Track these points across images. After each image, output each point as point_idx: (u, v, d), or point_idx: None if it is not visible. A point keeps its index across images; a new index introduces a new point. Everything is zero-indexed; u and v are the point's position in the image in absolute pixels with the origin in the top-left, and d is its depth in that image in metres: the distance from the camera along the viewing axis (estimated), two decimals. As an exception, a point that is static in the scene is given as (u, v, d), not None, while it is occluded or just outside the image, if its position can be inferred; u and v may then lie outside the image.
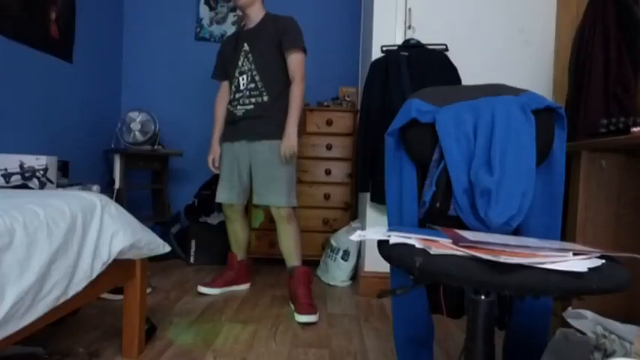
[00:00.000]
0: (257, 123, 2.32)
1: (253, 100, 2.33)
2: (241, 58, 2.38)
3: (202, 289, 2.48)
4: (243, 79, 2.36)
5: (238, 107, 2.37)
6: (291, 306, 2.27)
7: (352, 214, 3.19)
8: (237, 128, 2.39)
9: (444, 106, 1.25)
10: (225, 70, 2.49)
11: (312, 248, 3.15)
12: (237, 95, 2.39)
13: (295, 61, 2.28)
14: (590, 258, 0.89)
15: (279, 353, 1.74)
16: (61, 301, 1.21)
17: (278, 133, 2.28)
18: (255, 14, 2.38)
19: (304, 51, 2.31)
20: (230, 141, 2.43)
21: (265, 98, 2.32)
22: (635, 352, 1.17)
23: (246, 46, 2.37)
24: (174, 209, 3.58)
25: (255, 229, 3.19)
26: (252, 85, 2.33)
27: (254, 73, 2.33)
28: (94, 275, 1.34)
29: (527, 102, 1.20)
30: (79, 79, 3.14)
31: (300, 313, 2.11)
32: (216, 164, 2.53)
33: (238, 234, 2.55)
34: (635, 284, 1.64)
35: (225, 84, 2.52)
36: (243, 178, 2.42)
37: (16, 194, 1.43)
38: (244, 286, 2.63)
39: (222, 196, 2.45)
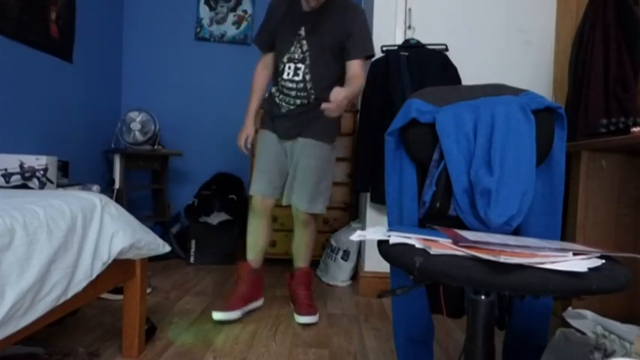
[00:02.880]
0: (296, 123, 2.12)
1: (298, 101, 2.10)
2: (295, 43, 2.07)
3: (219, 316, 2.02)
4: (290, 68, 2.08)
5: (284, 105, 2.12)
6: (292, 306, 2.27)
7: (352, 214, 3.19)
8: (278, 125, 2.16)
9: (444, 106, 1.25)
10: (268, 41, 2.18)
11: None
12: (282, 83, 2.11)
13: (358, 66, 2.05)
14: (590, 258, 0.89)
15: (279, 353, 1.74)
16: (61, 301, 1.21)
17: (312, 133, 2.11)
18: None
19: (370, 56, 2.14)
20: (272, 131, 2.17)
21: (312, 99, 2.09)
22: (635, 352, 1.17)
23: (302, 31, 2.06)
24: (174, 209, 3.58)
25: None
26: (302, 85, 2.08)
27: (306, 71, 2.06)
28: (94, 275, 1.34)
29: (527, 102, 1.20)
30: (79, 79, 3.14)
31: (299, 313, 2.10)
32: (249, 145, 2.22)
33: (261, 234, 2.20)
34: (635, 284, 1.64)
35: (270, 56, 2.21)
36: (281, 174, 2.18)
37: (16, 194, 1.43)
38: (259, 302, 2.26)
39: (257, 187, 2.15)
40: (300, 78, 2.08)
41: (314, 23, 2.05)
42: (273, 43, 2.16)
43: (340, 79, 2.08)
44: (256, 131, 2.27)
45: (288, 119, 2.13)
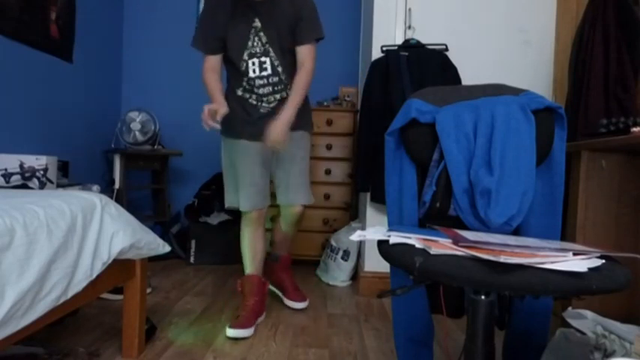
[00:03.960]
0: None
1: (278, 96, 2.00)
2: (252, 37, 1.93)
3: (234, 333, 1.88)
4: (254, 64, 1.95)
5: (263, 105, 2.01)
6: (275, 291, 2.38)
7: (352, 214, 3.19)
8: (259, 129, 1.97)
9: (444, 106, 1.25)
10: (215, 41, 1.97)
11: (312, 248, 3.15)
12: (250, 82, 1.98)
13: (307, 51, 1.97)
14: (590, 258, 0.89)
15: (279, 353, 1.74)
16: (61, 301, 1.21)
17: (300, 124, 2.04)
18: None
19: (320, 39, 2.02)
20: (251, 140, 2.03)
21: (289, 92, 2.00)
22: (635, 352, 1.17)
23: (257, 22, 1.92)
24: (174, 209, 3.58)
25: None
26: (276, 79, 1.98)
27: (275, 62, 1.96)
28: (94, 275, 1.34)
29: (527, 102, 1.20)
30: (79, 79, 3.14)
31: (293, 299, 2.29)
32: (218, 118, 1.86)
33: (260, 244, 2.13)
34: (635, 284, 1.64)
35: (217, 58, 2.01)
36: (267, 179, 2.11)
37: (16, 194, 1.43)
38: (263, 317, 2.13)
39: (250, 203, 2.02)
40: (269, 72, 1.97)
41: (267, 12, 1.92)
42: (222, 44, 1.97)
43: None
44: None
45: (271, 118, 1.96)
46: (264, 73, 1.97)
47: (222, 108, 1.88)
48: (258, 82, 1.98)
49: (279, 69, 1.97)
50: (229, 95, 2.05)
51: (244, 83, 2.00)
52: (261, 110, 2.02)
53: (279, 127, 1.89)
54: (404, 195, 1.27)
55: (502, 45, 2.52)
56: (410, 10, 2.53)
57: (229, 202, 2.11)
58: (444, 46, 2.46)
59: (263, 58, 1.95)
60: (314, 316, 2.20)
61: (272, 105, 2.01)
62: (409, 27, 2.54)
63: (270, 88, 1.99)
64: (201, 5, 3.73)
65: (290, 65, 1.99)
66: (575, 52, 2.13)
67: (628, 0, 1.95)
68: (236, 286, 2.17)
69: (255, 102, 2.02)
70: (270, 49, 1.95)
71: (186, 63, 3.75)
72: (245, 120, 2.03)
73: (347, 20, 3.65)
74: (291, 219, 2.18)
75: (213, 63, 2.00)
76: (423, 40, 2.47)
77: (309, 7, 1.97)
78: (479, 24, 2.53)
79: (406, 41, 2.47)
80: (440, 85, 1.54)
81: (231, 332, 1.88)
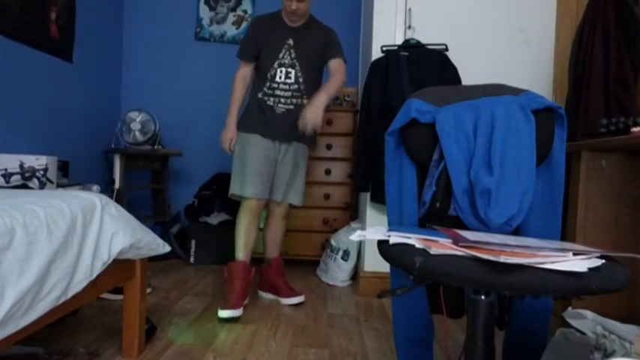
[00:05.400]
0: (293, 125, 2.27)
1: (295, 101, 2.31)
2: (283, 51, 2.29)
3: (226, 314, 2.06)
4: (281, 72, 2.29)
5: (280, 105, 2.30)
6: (271, 297, 2.44)
7: (352, 214, 3.19)
8: (273, 127, 2.30)
9: (443, 106, 1.25)
10: (253, 51, 2.34)
11: (312, 248, 3.15)
12: (273, 85, 2.30)
13: (338, 63, 2.35)
14: (590, 258, 0.89)
15: (279, 353, 1.75)
16: (61, 301, 1.21)
17: (306, 139, 2.37)
18: (304, 16, 2.33)
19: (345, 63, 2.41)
20: (263, 135, 2.30)
21: (304, 101, 2.31)
22: (635, 352, 1.17)
23: (291, 41, 2.30)
24: (174, 209, 3.58)
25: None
26: (296, 87, 2.30)
27: (298, 74, 2.30)
28: (94, 275, 1.34)
29: (527, 102, 1.20)
30: (79, 79, 3.14)
31: (289, 296, 2.36)
32: (232, 148, 2.35)
33: (253, 233, 2.32)
34: (635, 284, 1.64)
35: (250, 68, 2.37)
36: (271, 175, 2.34)
37: (16, 194, 1.43)
38: (247, 300, 2.29)
39: (253, 190, 2.26)
40: (292, 80, 2.30)
41: (300, 36, 2.31)
42: (257, 56, 2.33)
43: (321, 80, 2.39)
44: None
45: (285, 119, 2.29)
46: (288, 81, 2.30)
47: (234, 136, 2.33)
48: (282, 86, 2.30)
49: (301, 80, 2.31)
50: (251, 97, 2.40)
51: (265, 88, 2.32)
52: (277, 111, 2.31)
53: (314, 108, 2.19)
54: (404, 195, 1.27)
55: (502, 45, 2.52)
56: (410, 10, 2.53)
57: (233, 189, 2.32)
58: (444, 46, 2.46)
59: (289, 69, 2.31)
60: (314, 316, 2.20)
61: (288, 107, 2.31)
62: (409, 27, 2.54)
63: (290, 93, 2.31)
64: (201, 5, 3.74)
65: (310, 79, 2.34)
66: (575, 52, 2.13)
67: (628, 0, 1.95)
68: (222, 273, 2.34)
69: (272, 103, 2.31)
70: (297, 64, 2.30)
71: (186, 63, 3.76)
72: (260, 119, 2.31)
73: (347, 20, 3.65)
74: (276, 216, 2.45)
75: (245, 72, 2.37)
76: (423, 40, 2.47)
77: (336, 38, 2.39)
78: (479, 24, 2.53)
79: (406, 41, 2.48)
80: (440, 85, 1.54)
81: (224, 313, 2.05)
